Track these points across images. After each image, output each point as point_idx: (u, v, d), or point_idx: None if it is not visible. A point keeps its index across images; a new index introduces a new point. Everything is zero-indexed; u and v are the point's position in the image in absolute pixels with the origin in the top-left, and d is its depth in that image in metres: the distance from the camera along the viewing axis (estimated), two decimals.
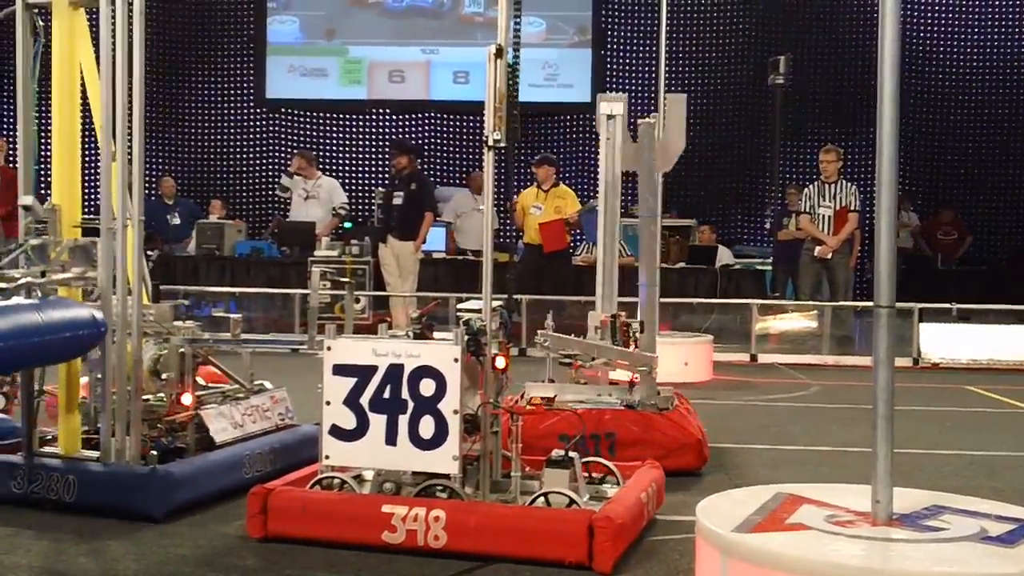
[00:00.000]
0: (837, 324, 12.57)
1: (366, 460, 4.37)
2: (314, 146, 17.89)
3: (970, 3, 18.62)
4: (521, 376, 8.76)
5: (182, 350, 5.13)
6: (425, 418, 4.22)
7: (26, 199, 4.80)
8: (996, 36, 18.56)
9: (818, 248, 12.15)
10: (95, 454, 4.80)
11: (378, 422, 4.27)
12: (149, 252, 6.01)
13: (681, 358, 9.92)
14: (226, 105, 19.19)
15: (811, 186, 12.42)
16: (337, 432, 4.33)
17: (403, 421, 4.24)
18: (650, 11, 18.45)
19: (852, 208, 12.04)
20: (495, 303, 4.45)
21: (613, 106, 6.72)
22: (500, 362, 4.42)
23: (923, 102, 18.41)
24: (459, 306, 4.71)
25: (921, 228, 17.36)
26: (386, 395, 4.27)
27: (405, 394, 4.25)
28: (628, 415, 5.90)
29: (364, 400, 4.29)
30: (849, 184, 12.27)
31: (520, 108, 4.60)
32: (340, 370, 4.33)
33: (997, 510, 3.49)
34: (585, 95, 18.30)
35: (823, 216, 12.16)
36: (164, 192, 15.67)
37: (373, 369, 4.29)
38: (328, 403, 4.34)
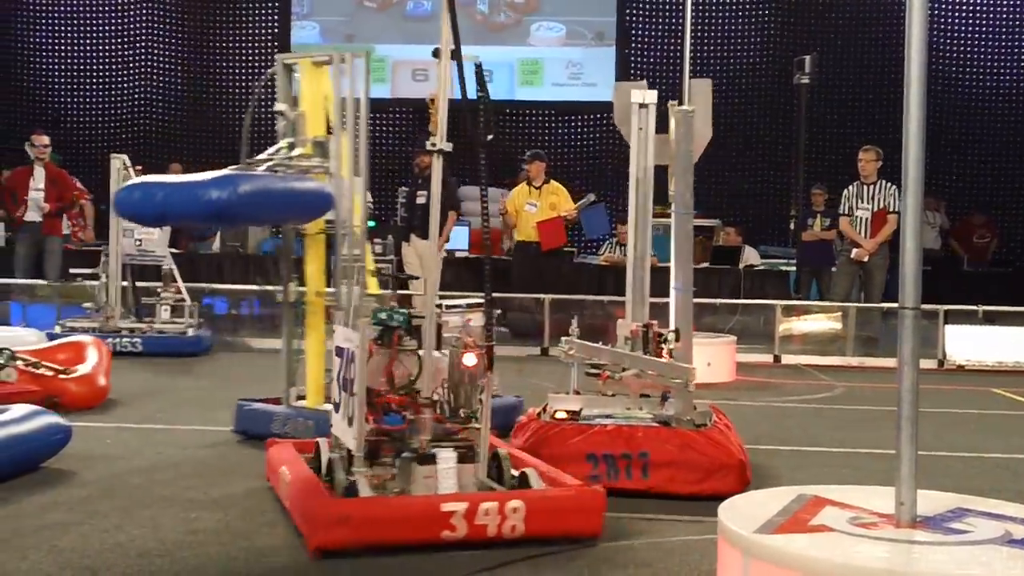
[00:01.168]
0: (862, 325, 12.51)
1: (338, 431, 4.71)
2: None
3: (999, 3, 18.51)
4: (544, 377, 8.80)
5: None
6: (352, 399, 4.45)
7: (281, 105, 6.39)
8: None
9: (855, 251, 12.07)
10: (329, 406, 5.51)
11: (344, 399, 4.59)
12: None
13: (704, 359, 9.86)
14: (248, 103, 19.25)
15: (850, 187, 12.28)
16: (334, 405, 4.80)
17: (347, 400, 4.53)
18: (674, 9, 18.43)
19: (891, 210, 11.89)
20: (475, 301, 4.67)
21: (646, 94, 6.34)
22: (469, 359, 4.49)
23: (953, 103, 18.30)
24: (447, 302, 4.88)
25: (952, 230, 17.26)
26: (345, 375, 4.58)
27: (349, 375, 4.54)
28: (662, 433, 5.37)
29: (341, 378, 4.65)
30: (889, 184, 12.08)
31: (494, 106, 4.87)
32: (338, 352, 4.75)
33: (1022, 513, 3.47)
34: (609, 94, 18.24)
35: (860, 218, 12.06)
36: None
37: (344, 352, 4.65)
38: (334, 380, 4.79)
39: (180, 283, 11.20)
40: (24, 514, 4.59)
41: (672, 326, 6.07)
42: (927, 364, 11.04)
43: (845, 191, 12.35)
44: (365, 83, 6.12)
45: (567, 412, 5.60)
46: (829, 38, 18.38)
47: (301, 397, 6.53)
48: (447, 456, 4.39)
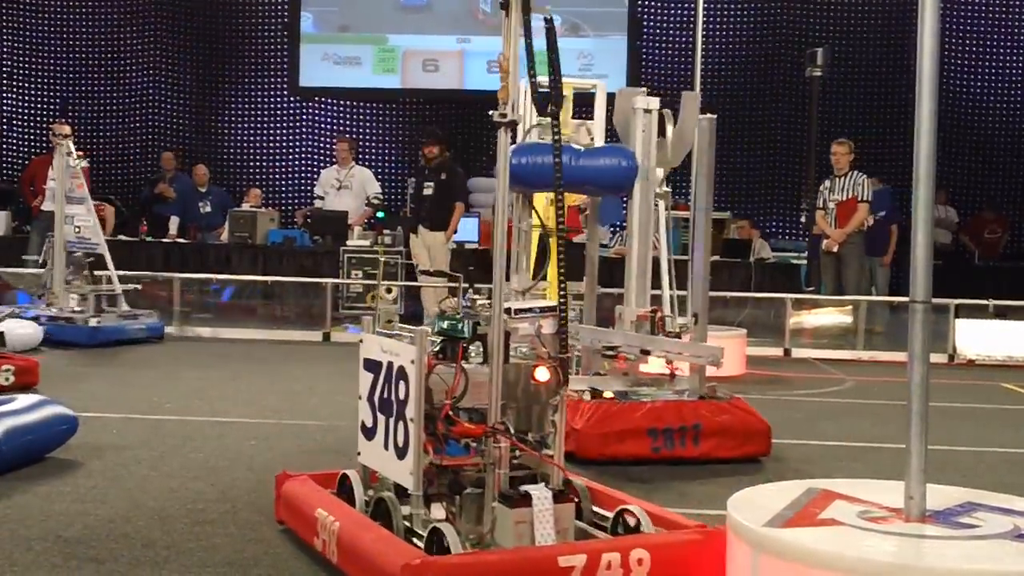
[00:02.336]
0: (873, 319, 12.48)
1: (375, 462, 4.05)
2: (347, 135, 17.93)
3: None
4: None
5: None
6: (400, 424, 3.78)
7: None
8: None
9: (824, 242, 12.14)
10: None
11: (381, 423, 3.95)
12: None
13: None
14: (260, 93, 19.26)
15: (825, 181, 12.42)
16: (364, 429, 4.11)
17: (391, 424, 3.86)
18: (686, 0, 18.37)
19: (861, 198, 11.99)
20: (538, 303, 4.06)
21: (650, 101, 6.68)
22: (541, 373, 3.73)
23: (965, 98, 18.23)
24: (482, 302, 3.95)
25: (965, 225, 17.21)
26: (385, 395, 3.91)
27: (392, 395, 3.85)
28: (705, 406, 6.02)
29: (376, 398, 4.00)
30: (859, 174, 12.20)
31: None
32: (367, 365, 4.07)
33: None
34: (620, 85, 18.22)
35: (832, 210, 12.15)
36: (197, 180, 15.75)
37: (380, 366, 3.96)
38: (360, 397, 4.13)
39: (113, 272, 11.14)
40: (30, 504, 4.59)
41: (690, 312, 6.65)
42: (937, 358, 11.00)
43: (821, 185, 12.46)
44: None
45: (612, 392, 6.03)
46: (842, 31, 18.33)
47: None
48: (543, 496, 3.57)
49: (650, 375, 6.56)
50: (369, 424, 4.06)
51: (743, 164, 17.97)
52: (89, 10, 19.32)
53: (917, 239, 3.32)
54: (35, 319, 10.46)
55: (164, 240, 14.70)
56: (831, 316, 12.66)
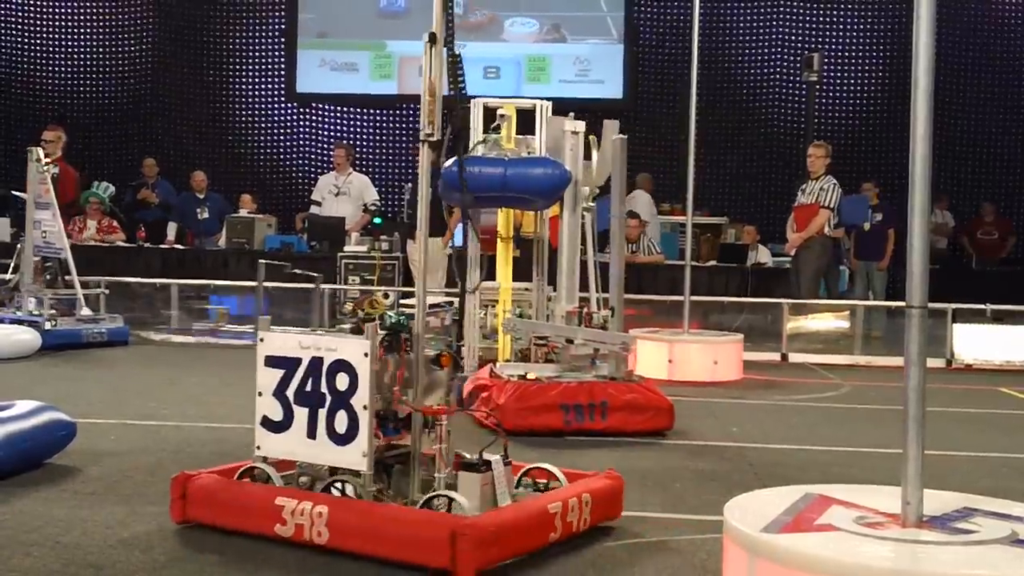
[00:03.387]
0: (870, 323, 12.49)
1: (290, 452, 4.33)
2: (344, 141, 17.94)
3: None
4: None
5: None
6: (340, 413, 4.15)
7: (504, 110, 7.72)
8: None
9: (785, 246, 12.26)
10: None
11: (301, 415, 4.25)
12: None
13: (711, 357, 9.87)
14: (257, 99, 19.27)
15: (803, 184, 12.43)
16: (267, 423, 4.34)
17: (322, 415, 4.19)
18: (683, 6, 18.39)
19: (823, 204, 11.96)
20: (443, 299, 4.63)
21: (577, 124, 7.76)
22: (443, 360, 4.38)
23: (963, 101, 18.25)
24: (403, 301, 4.94)
25: (964, 227, 17.23)
26: (308, 388, 4.24)
27: (324, 388, 4.20)
28: (614, 386, 6.87)
29: (290, 392, 4.28)
30: (829, 180, 12.16)
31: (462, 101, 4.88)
32: (271, 361, 4.35)
33: None
34: (617, 91, 18.28)
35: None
36: (195, 186, 15.76)
37: (298, 361, 4.27)
38: (260, 394, 4.36)
39: (75, 276, 11.18)
40: (28, 510, 4.59)
41: (611, 304, 7.70)
42: (935, 363, 11.01)
43: (799, 189, 12.49)
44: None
45: (534, 375, 6.98)
46: (838, 35, 18.37)
47: None
48: (498, 463, 4.19)
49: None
50: (278, 418, 4.32)
51: (740, 169, 18.00)
52: (87, 17, 19.35)
53: (913, 244, 3.33)
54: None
55: (162, 246, 14.72)
56: (828, 321, 12.67)
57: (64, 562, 3.89)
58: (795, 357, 11.64)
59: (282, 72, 19.04)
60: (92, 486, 5.05)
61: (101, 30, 19.38)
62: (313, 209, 15.14)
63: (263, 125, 19.28)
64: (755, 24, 18.70)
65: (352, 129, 19.03)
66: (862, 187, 15.08)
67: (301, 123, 19.22)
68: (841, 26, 18.51)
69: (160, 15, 19.28)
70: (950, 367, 11.37)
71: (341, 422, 4.14)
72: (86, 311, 11.21)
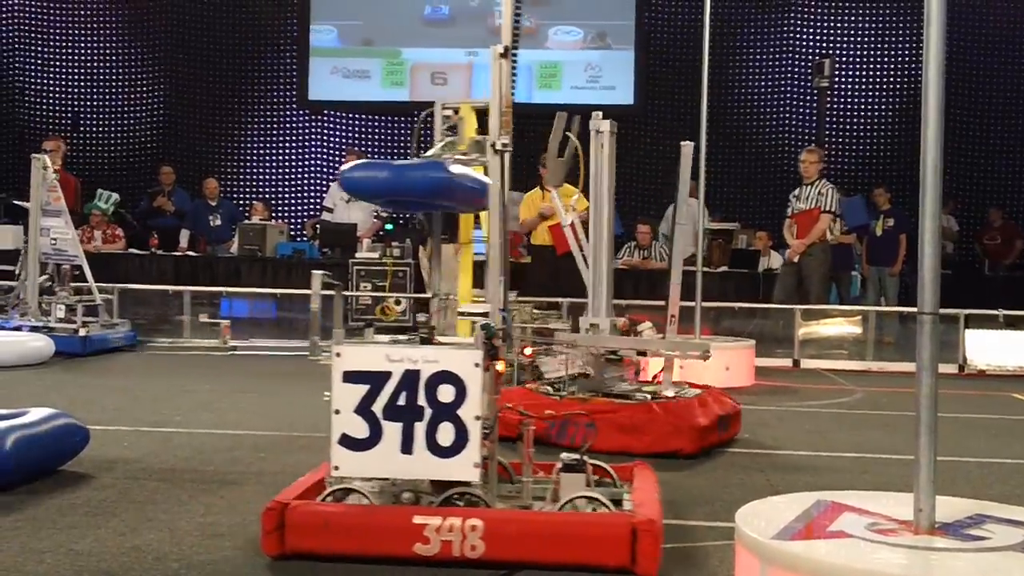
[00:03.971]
0: (882, 329, 12.46)
1: (380, 470, 4.19)
2: (356, 148, 17.98)
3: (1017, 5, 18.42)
4: None
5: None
6: (444, 425, 4.09)
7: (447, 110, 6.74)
8: None
9: (787, 252, 12.20)
10: None
11: (393, 430, 4.12)
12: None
13: (723, 363, 9.84)
14: (269, 106, 19.32)
15: (795, 190, 12.39)
16: (348, 442, 4.16)
17: (420, 428, 4.10)
18: (694, 13, 18.39)
19: (824, 209, 11.94)
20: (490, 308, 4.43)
21: (604, 124, 7.24)
22: (500, 367, 4.34)
23: (969, 106, 18.22)
24: (461, 308, 4.80)
25: (974, 234, 17.20)
26: (401, 402, 4.13)
27: (422, 400, 4.10)
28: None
29: (377, 408, 4.14)
30: (826, 184, 12.15)
31: (514, 109, 4.82)
32: (351, 377, 4.18)
33: None
34: (628, 97, 18.28)
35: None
36: (207, 193, 15.80)
37: (387, 375, 4.15)
38: (337, 412, 4.18)
39: (92, 282, 11.28)
40: (42, 517, 4.60)
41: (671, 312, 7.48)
42: (947, 368, 10.98)
43: (791, 195, 12.44)
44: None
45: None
46: (849, 41, 18.34)
47: None
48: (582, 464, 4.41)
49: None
50: (361, 435, 4.14)
51: (751, 175, 17.97)
52: (99, 26, 19.43)
53: (925, 250, 3.33)
54: (17, 329, 10.64)
55: (174, 253, 14.77)
56: (841, 327, 12.64)
57: (77, 569, 3.90)
58: (807, 363, 11.62)
59: (294, 80, 19.08)
60: (105, 493, 5.07)
61: (113, 38, 19.44)
62: (325, 216, 15.17)
63: (275, 133, 19.33)
64: (766, 30, 18.68)
65: (364, 136, 19.06)
66: (873, 192, 15.06)
67: (313, 130, 19.26)
68: (853, 32, 18.48)
69: (173, 25, 19.34)
70: (963, 373, 11.34)
71: (446, 434, 4.08)
72: (104, 316, 11.35)
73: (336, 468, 4.20)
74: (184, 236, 15.30)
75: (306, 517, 4.07)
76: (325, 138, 19.20)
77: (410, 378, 4.11)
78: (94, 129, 19.43)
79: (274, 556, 4.07)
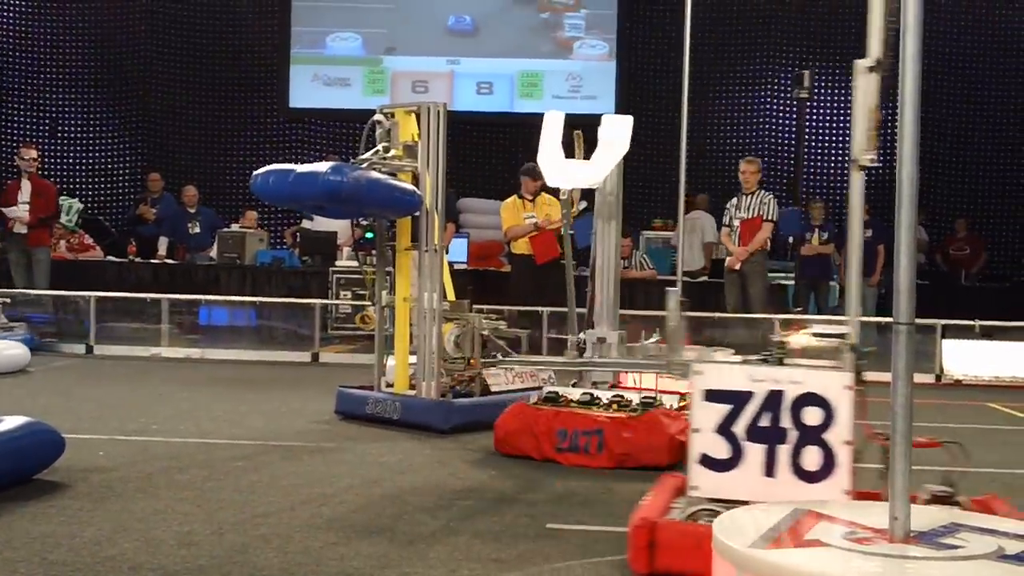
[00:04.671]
0: (860, 340, 12.49)
1: (741, 492, 4.04)
2: (337, 156, 17.94)
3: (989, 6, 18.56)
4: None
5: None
6: (809, 448, 3.99)
7: (379, 115, 7.65)
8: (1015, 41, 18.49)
9: (727, 260, 12.32)
10: (413, 391, 7.65)
11: (755, 452, 4.05)
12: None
13: None
14: (250, 114, 19.27)
15: (733, 199, 12.54)
16: (708, 462, 4.08)
17: (783, 451, 4.02)
18: (675, 23, 18.45)
19: (766, 217, 12.10)
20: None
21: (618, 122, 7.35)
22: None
23: (935, 122, 18.35)
24: (816, 330, 4.48)
25: (938, 245, 17.29)
26: (764, 423, 4.05)
27: (786, 422, 4.01)
28: None
29: (739, 428, 4.07)
30: (766, 193, 12.37)
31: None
32: (713, 396, 4.11)
33: (1015, 528, 3.46)
34: (609, 107, 18.31)
35: (736, 228, 12.31)
36: (186, 201, 15.74)
37: (749, 395, 4.07)
38: (697, 430, 4.09)
39: None
40: (16, 526, 4.57)
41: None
42: (924, 378, 11.04)
43: (728, 203, 12.56)
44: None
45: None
46: (828, 52, 18.43)
47: (389, 385, 7.96)
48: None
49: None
50: (722, 456, 4.08)
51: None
52: (79, 30, 19.34)
53: (900, 262, 3.35)
54: None
55: (153, 261, 14.71)
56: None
57: None
58: None
59: (275, 88, 19.05)
60: (80, 502, 5.04)
61: (94, 43, 19.35)
62: (305, 223, 15.14)
63: (256, 140, 19.26)
64: (746, 41, 18.75)
65: (345, 144, 19.01)
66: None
67: (294, 138, 19.22)
68: (832, 44, 18.57)
69: (154, 31, 19.27)
70: (939, 382, 11.39)
71: (811, 458, 3.99)
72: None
73: (695, 488, 4.13)
74: (163, 243, 15.24)
75: (678, 537, 3.97)
76: (306, 146, 19.15)
77: (774, 399, 4.05)
78: (72, 136, 19.33)
79: (643, 574, 3.99)
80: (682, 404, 6.60)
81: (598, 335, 7.04)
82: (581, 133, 7.62)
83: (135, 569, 4.02)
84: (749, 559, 3.12)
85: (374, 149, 7.59)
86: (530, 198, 12.04)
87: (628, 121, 7.31)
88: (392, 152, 7.68)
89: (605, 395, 6.74)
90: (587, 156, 7.22)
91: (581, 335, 7.11)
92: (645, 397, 6.66)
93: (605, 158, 7.10)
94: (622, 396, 6.69)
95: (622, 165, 7.34)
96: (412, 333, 7.77)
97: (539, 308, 11.90)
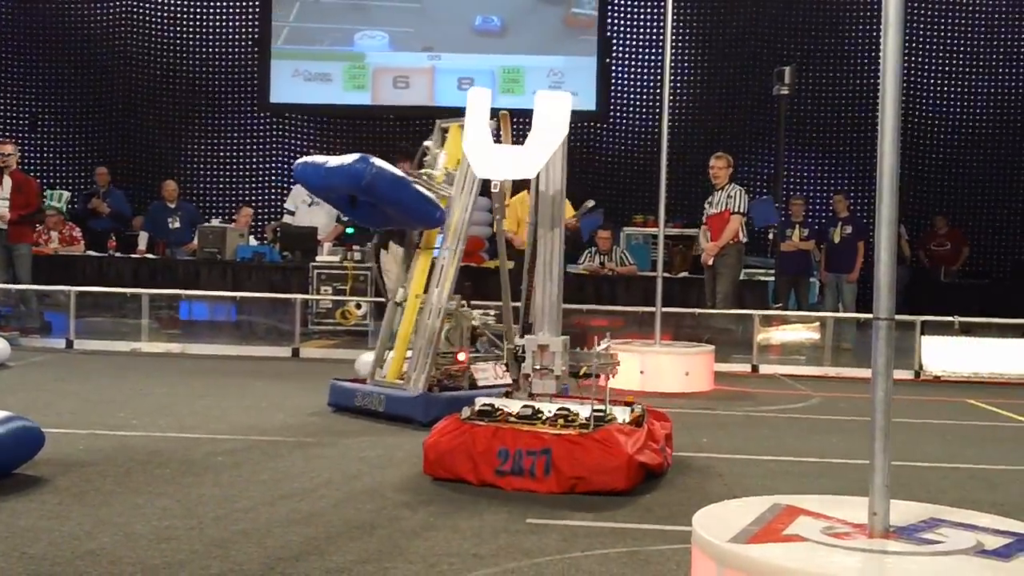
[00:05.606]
0: (840, 335, 12.55)
1: None
2: (318, 151, 17.90)
3: (974, 15, 18.65)
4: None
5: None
6: None
7: (428, 141, 8.11)
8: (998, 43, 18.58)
9: (702, 256, 12.41)
10: (401, 383, 7.74)
11: None
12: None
13: (682, 368, 9.91)
14: (230, 109, 19.21)
15: (709, 196, 12.58)
16: None
17: None
18: (656, 20, 18.49)
19: (734, 210, 12.17)
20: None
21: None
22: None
23: (915, 119, 18.43)
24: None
25: (918, 242, 17.37)
26: None
27: None
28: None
29: None
30: (735, 187, 12.40)
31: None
32: None
33: (994, 524, 3.48)
34: (590, 103, 18.33)
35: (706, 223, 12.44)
36: (166, 195, 15.69)
37: None
38: None
39: None
40: None
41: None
42: (903, 375, 11.09)
43: (706, 202, 12.66)
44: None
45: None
46: (809, 49, 18.49)
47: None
48: None
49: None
50: None
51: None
52: (58, 26, 19.23)
53: (880, 257, 3.36)
54: None
55: (133, 256, 14.66)
56: (799, 332, 12.73)
57: (31, 573, 3.86)
58: (766, 368, 11.68)
59: (255, 82, 18.98)
60: (60, 496, 5.02)
61: (73, 39, 19.25)
62: (286, 218, 15.10)
63: (236, 135, 19.21)
64: (728, 36, 18.78)
65: (325, 140, 18.98)
66: (833, 199, 15.26)
67: (275, 133, 19.16)
68: (814, 40, 18.63)
69: (133, 26, 19.18)
70: (918, 379, 11.44)
71: None
72: None
73: None
74: (143, 239, 15.19)
75: None
76: (287, 141, 19.11)
77: None
78: (52, 130, 19.23)
79: None
80: (634, 416, 5.96)
81: (539, 342, 5.97)
82: (507, 113, 7.59)
83: (114, 563, 4.00)
84: (729, 554, 3.13)
85: (423, 170, 7.97)
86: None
87: (567, 98, 6.03)
88: (437, 173, 8.02)
89: (549, 408, 5.82)
90: (517, 141, 6.40)
91: (519, 340, 6.14)
92: (596, 410, 5.74)
93: (541, 144, 5.85)
94: (568, 409, 5.77)
95: (565, 149, 6.21)
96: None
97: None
